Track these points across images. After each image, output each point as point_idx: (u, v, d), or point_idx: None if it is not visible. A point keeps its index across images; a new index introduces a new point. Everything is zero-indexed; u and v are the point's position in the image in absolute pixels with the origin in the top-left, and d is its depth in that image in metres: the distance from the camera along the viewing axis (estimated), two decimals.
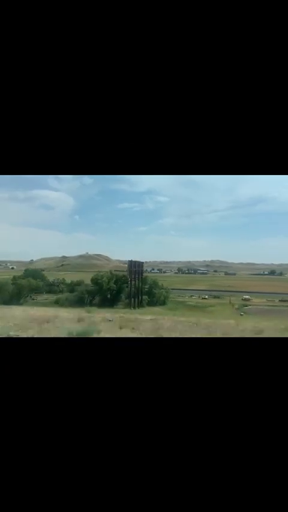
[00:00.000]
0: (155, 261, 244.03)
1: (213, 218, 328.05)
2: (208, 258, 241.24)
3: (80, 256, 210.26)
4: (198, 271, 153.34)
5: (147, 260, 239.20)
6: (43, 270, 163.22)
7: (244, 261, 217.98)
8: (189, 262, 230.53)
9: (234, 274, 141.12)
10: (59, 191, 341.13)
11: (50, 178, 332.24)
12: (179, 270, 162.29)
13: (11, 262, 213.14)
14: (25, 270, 66.87)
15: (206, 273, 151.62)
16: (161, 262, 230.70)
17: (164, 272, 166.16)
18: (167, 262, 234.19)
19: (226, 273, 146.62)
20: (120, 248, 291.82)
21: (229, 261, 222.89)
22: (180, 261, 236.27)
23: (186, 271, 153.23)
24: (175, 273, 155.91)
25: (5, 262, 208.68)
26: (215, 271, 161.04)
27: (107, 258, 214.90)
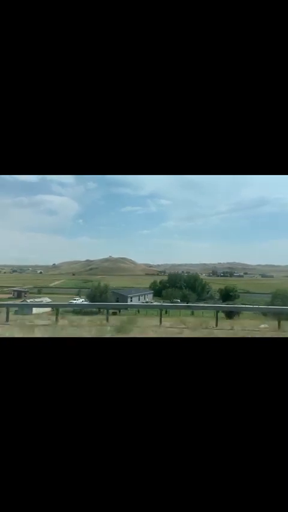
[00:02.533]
0: (167, 264, 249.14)
1: (216, 220, 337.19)
2: (223, 260, 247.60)
3: (106, 260, 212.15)
4: (235, 274, 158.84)
5: (159, 263, 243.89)
6: (74, 274, 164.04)
7: (262, 263, 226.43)
8: (204, 264, 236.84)
9: (272, 276, 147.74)
10: (63, 196, 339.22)
11: (54, 184, 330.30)
12: (213, 273, 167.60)
13: (32, 266, 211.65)
14: (169, 276, 68.37)
15: (241, 276, 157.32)
16: (173, 265, 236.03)
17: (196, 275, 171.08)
18: (179, 265, 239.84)
19: (263, 276, 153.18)
20: (124, 251, 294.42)
21: (247, 262, 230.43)
22: (192, 263, 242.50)
23: (222, 274, 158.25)
24: (208, 275, 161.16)
25: (27, 267, 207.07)
26: (245, 273, 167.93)
27: (132, 262, 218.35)
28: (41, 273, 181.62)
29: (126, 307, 21.63)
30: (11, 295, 59.37)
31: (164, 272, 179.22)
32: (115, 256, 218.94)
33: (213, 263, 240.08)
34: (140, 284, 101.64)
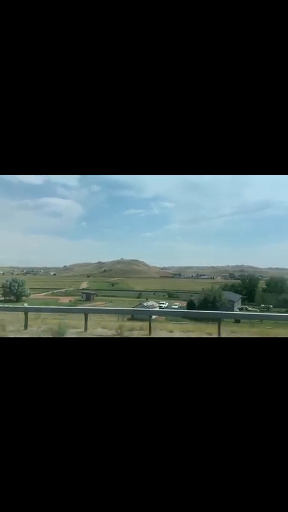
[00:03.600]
0: (173, 266, 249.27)
1: (219, 223, 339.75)
2: (231, 263, 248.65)
3: (118, 262, 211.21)
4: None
5: (165, 266, 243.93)
6: (88, 276, 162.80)
7: (272, 266, 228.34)
8: (212, 267, 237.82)
9: None
10: (67, 199, 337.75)
11: (58, 187, 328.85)
12: (231, 276, 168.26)
13: (41, 268, 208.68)
14: (242, 279, 67.13)
15: (259, 279, 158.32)
16: (179, 268, 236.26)
17: (213, 278, 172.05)
18: (186, 267, 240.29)
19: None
20: (135, 254, 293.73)
21: (256, 265, 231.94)
22: (200, 266, 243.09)
23: (239, 278, 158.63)
24: (225, 278, 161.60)
25: (38, 269, 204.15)
26: (261, 276, 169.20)
27: (145, 264, 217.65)
28: (54, 274, 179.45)
29: None
30: (78, 297, 58.87)
31: (180, 275, 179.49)
32: (126, 258, 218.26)
33: (221, 266, 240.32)
34: (164, 286, 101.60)
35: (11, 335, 7.22)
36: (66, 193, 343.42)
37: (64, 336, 6.78)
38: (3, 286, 55.83)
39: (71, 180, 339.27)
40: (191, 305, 39.66)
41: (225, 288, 62.70)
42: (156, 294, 71.50)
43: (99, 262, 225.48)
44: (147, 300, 59.46)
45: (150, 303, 39.96)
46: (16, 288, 55.09)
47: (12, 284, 55.60)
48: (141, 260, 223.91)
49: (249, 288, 58.30)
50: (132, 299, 61.75)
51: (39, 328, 8.24)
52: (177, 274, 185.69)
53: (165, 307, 38.43)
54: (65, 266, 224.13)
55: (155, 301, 53.18)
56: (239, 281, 70.33)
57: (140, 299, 61.77)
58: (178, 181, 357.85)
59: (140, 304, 38.32)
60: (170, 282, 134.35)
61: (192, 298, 44.20)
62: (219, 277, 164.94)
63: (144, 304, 35.75)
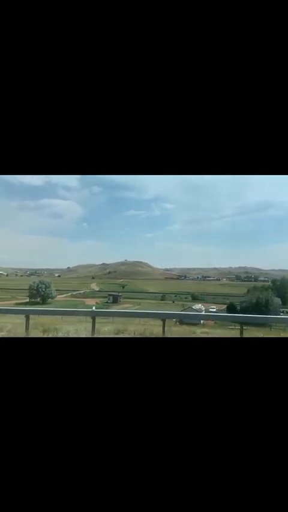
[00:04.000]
0: (175, 268, 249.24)
1: (220, 224, 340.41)
2: (233, 265, 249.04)
3: (123, 264, 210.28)
4: (259, 279, 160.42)
5: (167, 267, 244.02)
6: (93, 278, 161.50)
7: (276, 267, 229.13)
8: (215, 268, 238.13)
9: None
10: (68, 200, 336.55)
11: (59, 188, 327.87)
12: (237, 278, 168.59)
13: (44, 270, 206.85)
14: (273, 281, 65.89)
15: (267, 281, 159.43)
16: (182, 269, 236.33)
17: (218, 280, 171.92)
18: (188, 269, 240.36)
19: None
20: (130, 255, 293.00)
21: (259, 267, 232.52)
22: (202, 268, 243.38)
23: (246, 279, 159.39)
24: (231, 280, 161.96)
25: (41, 270, 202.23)
26: (266, 278, 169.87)
27: (149, 266, 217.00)
28: (59, 276, 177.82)
29: None
30: (103, 299, 57.96)
31: (185, 276, 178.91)
32: (129, 259, 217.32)
33: (224, 267, 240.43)
34: (173, 288, 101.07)
35: None
36: (67, 194, 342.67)
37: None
38: (30, 288, 55.21)
39: (72, 181, 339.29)
40: (231, 308, 38.94)
41: (255, 289, 61.91)
42: (177, 296, 70.56)
43: (103, 264, 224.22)
44: (174, 303, 58.46)
45: (198, 306, 39.01)
46: (43, 289, 54.36)
47: (40, 286, 55.09)
48: (145, 261, 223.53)
49: (280, 290, 57.34)
50: (157, 301, 60.87)
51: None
52: (181, 275, 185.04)
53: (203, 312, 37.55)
54: (68, 267, 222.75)
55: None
56: (269, 283, 69.21)
57: (165, 301, 60.83)
58: (178, 181, 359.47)
59: (189, 307, 37.50)
60: (177, 283, 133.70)
61: (231, 301, 43.33)
62: (224, 279, 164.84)
63: (193, 307, 34.87)
